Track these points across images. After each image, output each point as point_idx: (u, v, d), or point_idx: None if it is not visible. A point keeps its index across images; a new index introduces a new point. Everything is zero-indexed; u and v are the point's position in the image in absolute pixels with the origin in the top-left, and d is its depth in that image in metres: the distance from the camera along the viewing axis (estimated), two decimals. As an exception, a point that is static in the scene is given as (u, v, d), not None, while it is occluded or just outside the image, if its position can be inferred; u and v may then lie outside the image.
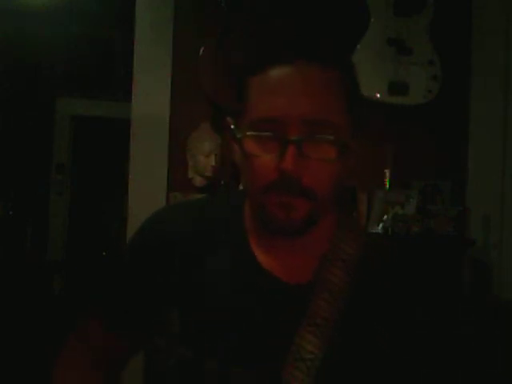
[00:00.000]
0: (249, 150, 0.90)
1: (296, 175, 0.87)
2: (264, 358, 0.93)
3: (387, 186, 2.43)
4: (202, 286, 0.97)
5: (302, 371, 0.91)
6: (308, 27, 2.45)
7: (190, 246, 1.00)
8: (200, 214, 1.04)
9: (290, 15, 2.46)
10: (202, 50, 2.43)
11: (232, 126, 0.95)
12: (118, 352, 1.10)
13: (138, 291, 1.02)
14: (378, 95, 2.38)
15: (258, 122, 0.89)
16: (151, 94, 2.45)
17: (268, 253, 0.97)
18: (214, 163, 2.39)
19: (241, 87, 0.93)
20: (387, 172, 2.44)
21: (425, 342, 0.97)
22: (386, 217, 2.32)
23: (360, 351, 0.94)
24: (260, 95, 0.90)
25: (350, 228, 1.02)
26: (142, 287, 1.01)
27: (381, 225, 2.31)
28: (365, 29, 2.41)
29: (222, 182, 2.45)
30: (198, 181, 2.43)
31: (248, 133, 0.89)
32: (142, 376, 1.07)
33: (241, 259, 0.98)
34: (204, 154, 2.39)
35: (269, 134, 0.88)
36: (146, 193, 2.42)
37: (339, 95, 0.90)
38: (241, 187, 2.35)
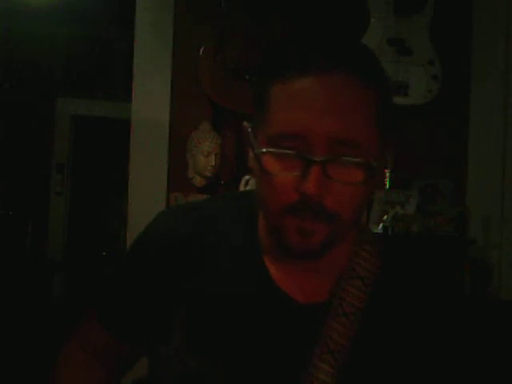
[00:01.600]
0: (267, 168, 0.81)
1: (318, 199, 0.80)
2: (273, 380, 0.88)
3: (387, 186, 2.43)
4: (211, 297, 0.92)
5: None
6: (307, 27, 2.44)
7: (201, 254, 0.94)
8: (212, 222, 0.97)
9: (289, 15, 2.46)
10: (201, 50, 2.43)
11: (250, 132, 0.87)
12: (119, 355, 1.08)
13: (141, 294, 0.98)
14: (378, 95, 2.38)
15: (279, 138, 0.80)
16: (151, 94, 2.45)
17: (282, 271, 0.92)
18: (213, 163, 2.39)
19: (262, 93, 0.84)
20: (387, 172, 2.44)
21: (425, 341, 0.96)
22: (386, 217, 2.32)
23: (372, 377, 0.90)
24: (283, 106, 0.80)
25: (365, 240, 0.96)
26: (146, 290, 0.97)
27: (381, 225, 2.31)
28: (365, 29, 2.41)
29: (222, 182, 2.45)
30: (198, 181, 2.43)
31: (267, 149, 0.81)
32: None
33: (253, 274, 0.92)
34: (204, 154, 2.39)
35: (291, 152, 0.80)
36: (146, 193, 2.42)
37: (370, 112, 0.81)
38: (241, 188, 2.36)
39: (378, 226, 2.32)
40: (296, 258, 0.87)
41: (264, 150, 0.81)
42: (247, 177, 2.36)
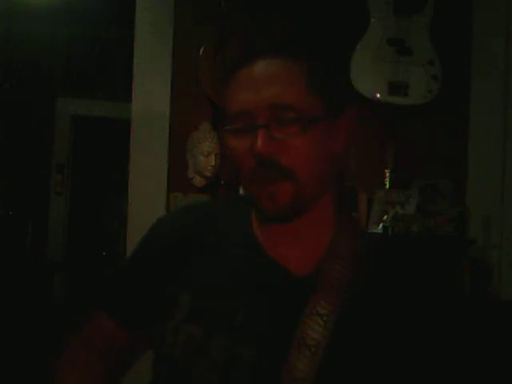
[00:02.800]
0: (228, 144, 0.98)
1: (270, 156, 0.93)
2: (269, 343, 0.96)
3: (387, 186, 2.43)
4: (212, 271, 1.02)
5: (307, 356, 0.94)
6: (306, 27, 2.45)
7: (201, 238, 1.06)
8: (211, 209, 1.13)
9: (289, 15, 2.46)
10: (201, 50, 2.43)
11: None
12: (121, 353, 1.11)
13: (148, 285, 1.06)
14: (378, 95, 2.38)
15: (233, 117, 0.97)
16: (151, 94, 2.45)
17: (271, 240, 1.03)
18: (213, 163, 2.39)
19: (223, 87, 1.02)
20: (387, 172, 2.44)
21: (424, 340, 0.97)
22: (386, 217, 2.32)
23: (360, 341, 0.96)
24: (233, 91, 0.99)
25: (348, 225, 1.06)
26: (154, 281, 1.05)
27: (381, 225, 2.32)
28: (365, 29, 2.41)
29: (222, 182, 2.45)
30: (198, 181, 2.43)
31: (226, 128, 0.98)
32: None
33: (247, 248, 1.04)
34: (204, 154, 2.40)
35: (241, 125, 0.96)
36: (146, 193, 2.42)
37: (303, 79, 0.97)
38: (241, 188, 2.36)
39: (378, 226, 2.32)
40: (272, 221, 1.00)
41: (224, 130, 0.98)
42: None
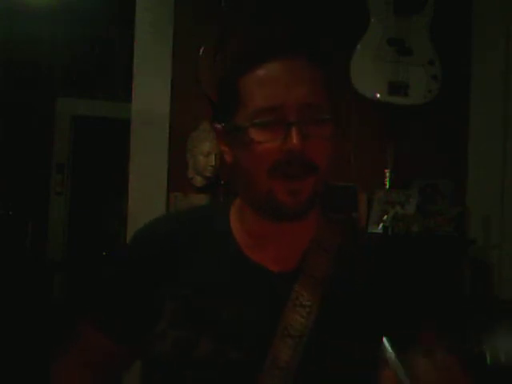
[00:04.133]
0: (254, 138, 0.97)
1: (302, 153, 0.95)
2: (253, 337, 0.99)
3: (387, 186, 2.43)
4: (193, 277, 1.04)
5: (290, 347, 0.97)
6: (306, 27, 2.45)
7: (181, 246, 1.07)
8: (186, 221, 1.13)
9: (289, 15, 2.46)
10: (201, 50, 2.43)
11: (222, 129, 1.07)
12: (113, 362, 1.12)
13: (134, 295, 1.07)
14: (378, 95, 2.38)
15: (260, 112, 0.97)
16: (151, 94, 2.45)
17: (254, 245, 1.06)
18: (213, 163, 2.39)
19: (234, 85, 1.01)
20: (387, 172, 2.44)
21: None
22: (386, 217, 2.32)
23: (343, 329, 1.00)
24: (258, 88, 0.99)
25: (335, 221, 1.11)
26: (139, 291, 1.06)
27: (381, 225, 2.32)
28: (365, 29, 2.41)
29: (222, 182, 2.45)
30: (198, 181, 2.43)
31: (252, 122, 0.97)
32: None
33: (227, 252, 1.06)
34: (204, 154, 2.40)
35: (272, 121, 0.96)
36: (146, 193, 2.42)
37: (322, 83, 1.01)
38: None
39: (378, 226, 2.32)
40: (286, 218, 1.01)
41: (249, 125, 0.97)
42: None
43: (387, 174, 2.44)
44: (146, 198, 2.39)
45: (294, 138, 0.95)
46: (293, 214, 1.00)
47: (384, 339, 0.84)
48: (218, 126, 1.09)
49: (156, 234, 1.11)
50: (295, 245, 1.05)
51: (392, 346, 0.84)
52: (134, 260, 1.10)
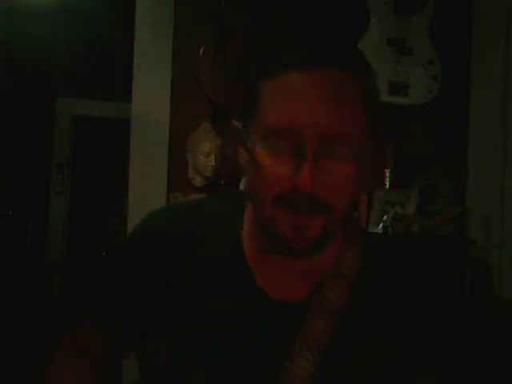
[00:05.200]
0: (261, 161, 0.83)
1: (311, 191, 0.80)
2: (253, 380, 0.90)
3: (387, 186, 2.43)
4: (193, 297, 0.93)
5: None
6: (306, 27, 2.44)
7: (187, 255, 0.96)
8: (198, 219, 0.99)
9: (290, 15, 2.46)
10: (201, 50, 2.43)
11: (240, 130, 0.89)
12: (110, 354, 1.08)
13: (131, 293, 1.00)
14: (378, 95, 2.38)
15: (273, 132, 0.82)
16: (151, 94, 2.45)
17: (265, 269, 0.93)
18: (213, 163, 2.39)
19: (253, 90, 0.86)
20: (387, 172, 2.44)
21: (424, 343, 0.96)
22: (386, 217, 2.32)
23: (354, 376, 0.90)
24: (275, 101, 0.82)
25: (353, 239, 0.97)
26: (136, 290, 0.99)
27: (381, 225, 2.31)
28: (365, 29, 2.41)
29: (222, 182, 2.45)
30: (198, 181, 2.43)
31: (262, 142, 0.83)
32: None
33: (236, 274, 0.93)
34: (204, 154, 2.40)
35: (284, 146, 0.81)
36: (146, 193, 2.42)
37: (358, 105, 0.83)
38: (241, 187, 2.35)
39: (378, 226, 2.32)
40: (288, 255, 0.87)
41: (258, 144, 0.83)
42: (247, 177, 2.36)
43: (387, 174, 2.44)
44: (146, 198, 2.39)
45: (306, 174, 0.79)
46: (297, 252, 0.86)
47: None
48: (237, 123, 0.91)
49: (161, 229, 0.99)
50: (308, 276, 0.92)
51: None
52: (135, 255, 1.00)
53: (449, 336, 0.98)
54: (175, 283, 0.95)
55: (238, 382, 0.90)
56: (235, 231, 0.96)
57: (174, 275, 0.95)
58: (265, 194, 0.84)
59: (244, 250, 0.95)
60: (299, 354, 0.88)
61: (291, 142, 0.81)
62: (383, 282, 0.95)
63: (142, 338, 0.99)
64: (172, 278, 0.95)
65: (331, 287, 0.91)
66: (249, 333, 0.91)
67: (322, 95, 0.81)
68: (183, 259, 0.96)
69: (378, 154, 0.91)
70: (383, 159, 0.89)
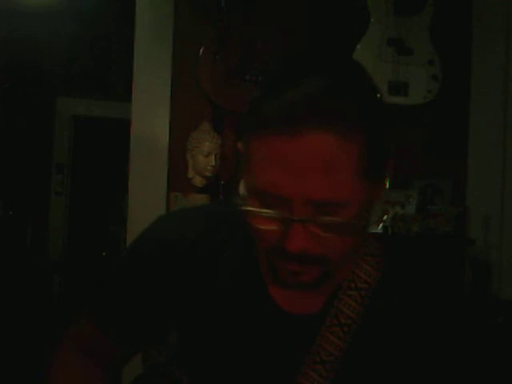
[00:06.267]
0: (251, 221, 0.81)
1: (301, 252, 0.78)
2: None
3: (387, 186, 2.43)
4: (204, 306, 0.92)
5: None
6: (308, 28, 2.44)
7: (199, 262, 0.94)
8: (212, 230, 0.96)
9: (290, 15, 2.46)
10: (201, 50, 2.43)
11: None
12: (115, 355, 1.07)
13: (138, 297, 0.98)
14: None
15: (262, 193, 0.79)
16: (151, 94, 2.45)
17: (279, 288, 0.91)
18: (213, 163, 2.39)
19: (245, 142, 0.82)
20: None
21: (425, 344, 0.94)
22: (386, 217, 2.32)
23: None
24: (264, 165, 0.78)
25: (369, 252, 0.94)
26: (143, 294, 0.97)
27: (381, 225, 2.31)
28: (365, 29, 2.41)
29: (222, 182, 2.45)
30: (198, 181, 2.43)
31: (249, 208, 0.80)
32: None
33: (249, 286, 0.92)
34: (204, 154, 2.39)
35: (272, 213, 0.78)
36: (146, 193, 2.42)
37: (356, 166, 0.77)
38: (241, 188, 2.35)
39: (378, 225, 2.32)
40: (293, 289, 0.87)
41: (246, 208, 0.81)
42: (247, 177, 2.36)
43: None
44: (146, 198, 2.39)
45: (293, 240, 0.77)
46: (299, 289, 0.86)
47: None
48: (240, 145, 0.86)
49: (171, 236, 0.96)
50: (321, 290, 0.89)
51: None
52: (147, 258, 0.97)
53: (448, 336, 0.98)
54: (186, 289, 0.93)
55: None
56: (250, 241, 0.91)
57: (185, 281, 0.94)
58: (260, 244, 0.84)
59: (259, 261, 0.93)
60: (312, 368, 0.87)
61: (279, 206, 0.78)
62: (398, 294, 0.92)
63: (149, 341, 0.98)
64: (183, 283, 0.94)
65: (345, 301, 0.89)
66: (260, 345, 0.90)
67: (313, 161, 0.75)
68: (196, 265, 0.94)
69: (381, 186, 0.87)
70: (383, 190, 0.81)
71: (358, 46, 2.40)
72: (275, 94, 0.79)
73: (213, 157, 2.39)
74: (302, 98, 0.77)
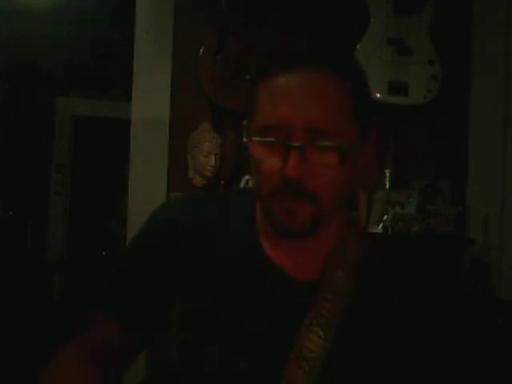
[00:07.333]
0: (255, 155, 0.92)
1: (297, 180, 0.89)
2: (265, 353, 0.94)
3: (387, 185, 2.43)
4: (208, 274, 0.99)
5: (304, 369, 0.92)
6: (308, 28, 2.44)
7: (202, 237, 1.02)
8: (213, 209, 1.06)
9: (290, 15, 2.46)
10: (201, 50, 2.43)
11: (244, 127, 0.97)
12: (118, 354, 1.07)
13: (146, 278, 1.03)
14: (378, 95, 2.38)
15: (263, 129, 0.91)
16: (151, 94, 2.45)
17: (277, 249, 1.00)
18: (213, 163, 2.39)
19: (253, 92, 0.95)
20: (387, 172, 2.44)
21: (425, 341, 0.97)
22: (385, 217, 2.33)
23: (361, 352, 0.95)
24: (266, 101, 0.92)
25: (353, 228, 1.04)
26: (151, 274, 1.02)
27: (381, 225, 2.32)
28: (365, 29, 2.41)
29: (222, 182, 2.45)
30: (198, 181, 2.43)
31: (253, 138, 0.92)
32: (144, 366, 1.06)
33: (251, 253, 1.00)
34: (204, 154, 2.39)
35: (273, 140, 0.90)
36: (146, 193, 2.42)
37: (345, 104, 0.91)
38: (241, 185, 2.36)
39: (378, 225, 2.32)
40: (284, 236, 0.96)
41: (250, 139, 0.92)
42: (247, 177, 2.36)
43: (387, 174, 2.44)
44: (146, 198, 2.39)
45: (291, 163, 0.88)
46: (292, 234, 0.94)
47: None
48: (244, 122, 1.00)
49: (177, 216, 1.07)
50: (317, 254, 1.00)
51: None
52: (153, 243, 1.05)
53: (448, 336, 0.99)
54: (193, 263, 1.00)
55: (249, 354, 0.94)
56: (249, 216, 1.03)
57: (191, 255, 1.01)
58: (261, 187, 0.94)
59: (258, 235, 1.01)
60: (310, 328, 0.94)
61: (280, 137, 0.89)
62: (385, 274, 1.00)
63: (158, 323, 1.01)
64: (190, 257, 1.01)
65: (336, 271, 0.98)
66: (261, 306, 0.96)
67: (308, 94, 0.89)
68: (200, 242, 1.02)
69: (373, 152, 0.97)
70: (380, 158, 0.96)
71: (358, 46, 2.40)
72: (279, 51, 0.99)
73: (213, 157, 2.39)
74: (302, 46, 0.98)
